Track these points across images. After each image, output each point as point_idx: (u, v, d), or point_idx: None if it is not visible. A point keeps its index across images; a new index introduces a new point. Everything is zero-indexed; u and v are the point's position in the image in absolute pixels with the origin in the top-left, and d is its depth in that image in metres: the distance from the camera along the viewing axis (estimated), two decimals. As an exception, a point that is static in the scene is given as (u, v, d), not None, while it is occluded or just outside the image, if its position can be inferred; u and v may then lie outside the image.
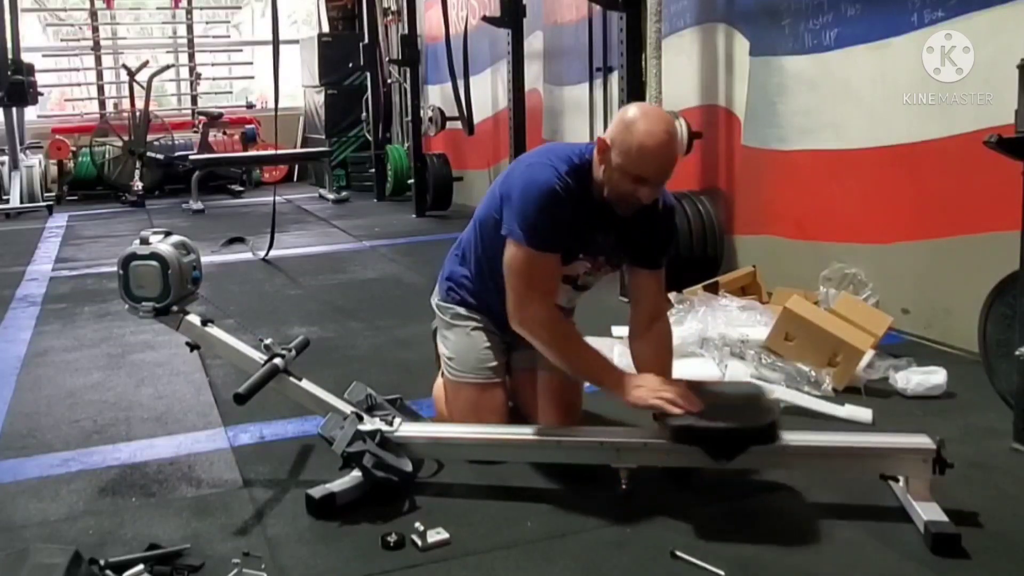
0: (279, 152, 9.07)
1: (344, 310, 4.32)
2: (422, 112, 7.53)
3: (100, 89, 9.94)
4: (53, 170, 9.10)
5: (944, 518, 1.98)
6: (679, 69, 4.61)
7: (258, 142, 9.73)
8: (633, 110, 2.15)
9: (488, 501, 2.20)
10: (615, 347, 3.11)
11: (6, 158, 8.15)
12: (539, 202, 2.14)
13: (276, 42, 4.97)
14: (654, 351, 2.34)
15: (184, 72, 10.33)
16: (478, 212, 2.42)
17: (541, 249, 2.15)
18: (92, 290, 4.90)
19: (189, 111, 10.15)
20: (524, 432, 2.29)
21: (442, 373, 2.56)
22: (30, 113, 9.12)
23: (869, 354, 2.97)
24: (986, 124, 2.89)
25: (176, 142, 9.45)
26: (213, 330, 2.50)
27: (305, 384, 2.41)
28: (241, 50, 10.64)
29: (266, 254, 5.55)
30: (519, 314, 2.22)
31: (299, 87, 10.26)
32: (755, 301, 3.57)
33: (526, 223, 2.14)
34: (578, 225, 2.21)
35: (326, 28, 10.16)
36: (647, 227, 2.29)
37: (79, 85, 10.06)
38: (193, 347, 2.54)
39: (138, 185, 8.63)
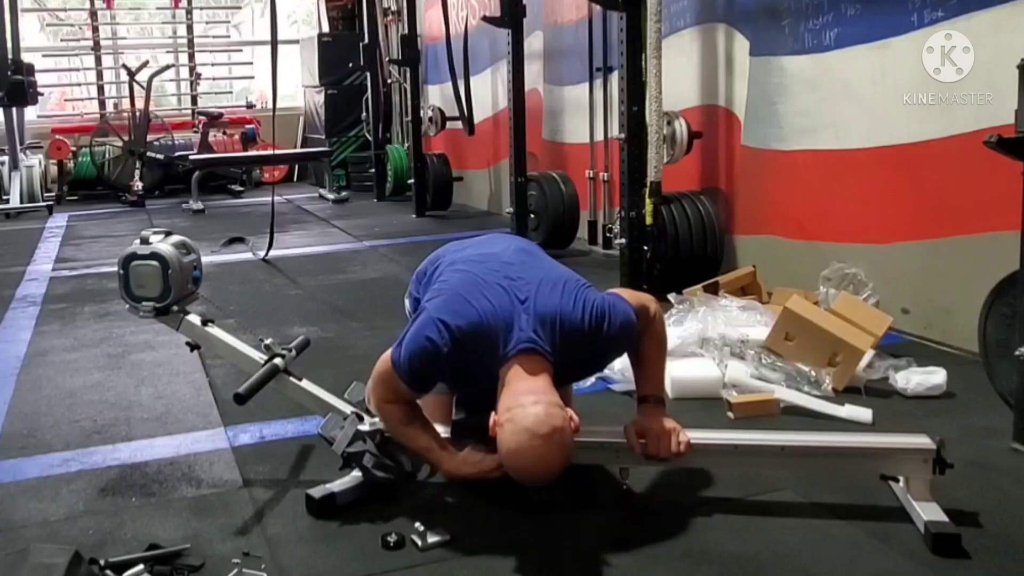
0: (279, 152, 9.07)
1: (344, 310, 4.32)
2: (422, 112, 7.53)
3: (100, 89, 9.94)
4: (53, 170, 9.10)
5: (944, 518, 1.98)
6: (679, 69, 4.61)
7: (258, 142, 9.73)
8: (514, 425, 1.88)
9: (488, 501, 2.20)
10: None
11: (6, 158, 8.15)
12: (413, 362, 2.05)
13: (275, 42, 4.97)
14: (634, 348, 2.25)
15: (184, 72, 10.32)
16: (416, 273, 2.42)
17: (402, 380, 2.09)
18: (92, 290, 4.89)
19: (189, 111, 10.15)
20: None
21: None
22: (30, 113, 9.12)
23: (869, 354, 2.97)
24: (986, 124, 2.89)
25: (176, 142, 9.44)
26: (213, 330, 2.50)
27: (305, 384, 2.41)
28: (241, 50, 10.65)
29: (266, 254, 5.54)
30: (370, 393, 2.23)
31: (299, 87, 10.26)
32: (755, 301, 3.57)
33: (400, 361, 2.07)
34: (470, 387, 2.16)
35: (326, 28, 10.16)
36: (583, 361, 2.19)
37: (79, 85, 10.06)
38: (193, 347, 2.54)
39: (138, 185, 8.63)
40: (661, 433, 2.13)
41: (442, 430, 2.25)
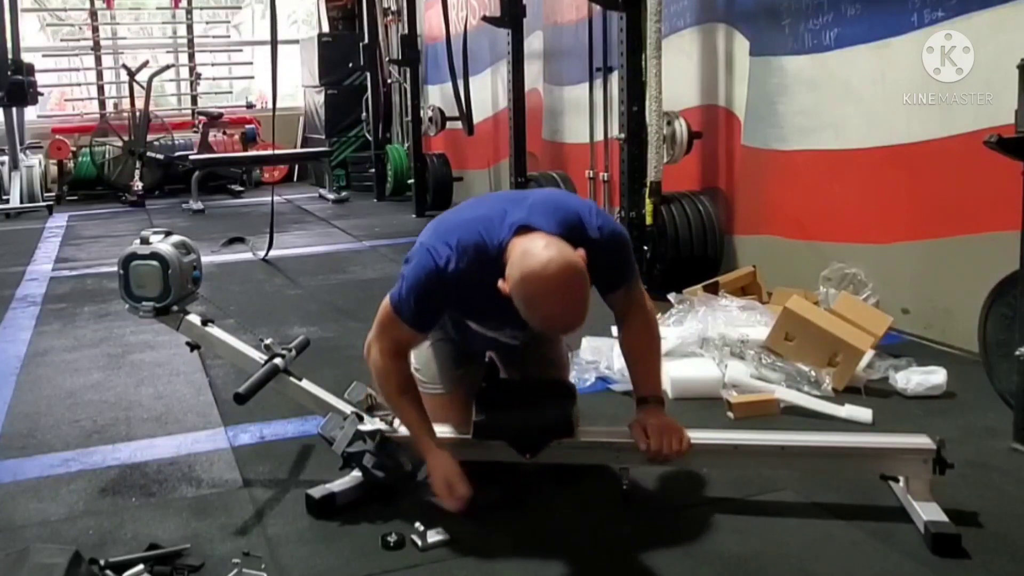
0: (279, 152, 9.08)
1: (344, 310, 4.32)
2: (422, 112, 7.53)
3: (100, 89, 9.93)
4: (53, 170, 9.10)
5: (944, 518, 1.98)
6: (679, 69, 4.61)
7: (258, 142, 9.73)
8: (523, 264, 1.83)
9: (488, 501, 2.20)
10: (615, 347, 3.11)
11: (6, 158, 8.15)
12: (417, 290, 2.04)
13: (275, 42, 4.98)
14: (629, 347, 2.24)
15: (184, 72, 10.32)
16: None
17: (404, 321, 2.09)
18: (92, 290, 4.89)
19: (189, 111, 10.15)
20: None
21: None
22: (30, 113, 9.12)
23: (869, 354, 2.97)
24: (986, 124, 2.89)
25: (176, 142, 9.44)
26: (213, 330, 2.50)
27: (305, 384, 2.41)
28: (241, 50, 10.65)
29: (266, 254, 5.54)
30: (367, 350, 2.20)
31: (299, 87, 10.26)
32: (755, 301, 3.57)
33: (401, 296, 2.07)
34: (476, 307, 2.13)
35: (326, 28, 10.16)
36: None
37: (79, 85, 10.06)
38: (193, 347, 2.54)
39: (138, 185, 8.63)
40: (663, 430, 2.13)
41: (453, 431, 2.25)
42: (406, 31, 7.61)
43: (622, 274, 2.15)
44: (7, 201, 8.03)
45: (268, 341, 2.43)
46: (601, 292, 2.15)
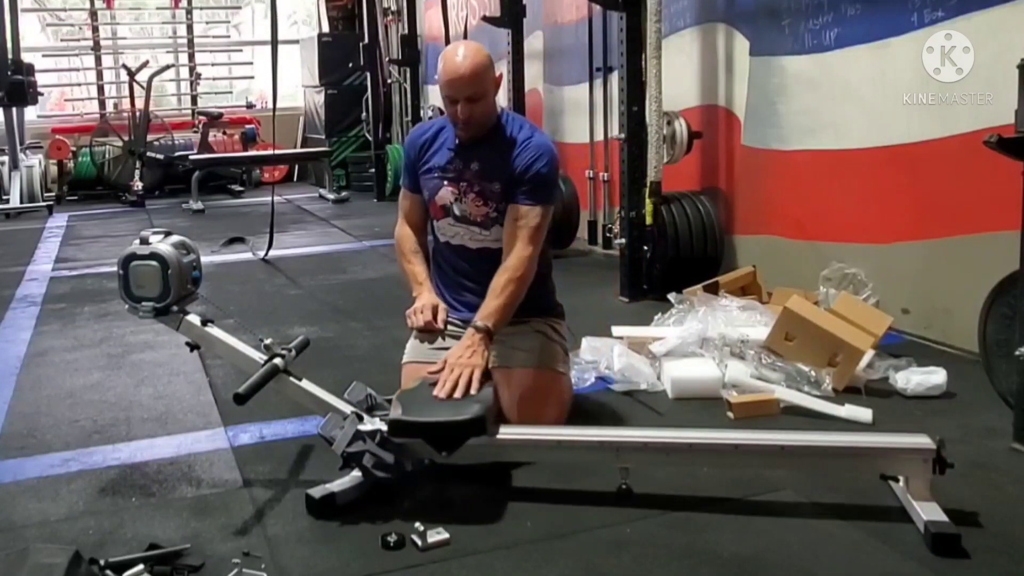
0: (279, 152, 9.08)
1: (344, 310, 4.32)
2: (422, 112, 7.53)
3: (100, 89, 9.95)
4: (53, 170, 9.11)
5: (944, 518, 1.97)
6: (679, 69, 4.61)
7: (258, 142, 9.73)
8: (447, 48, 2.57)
9: (488, 501, 2.20)
10: (615, 347, 3.11)
11: (6, 158, 8.16)
12: (404, 154, 2.78)
13: (275, 42, 4.98)
14: (494, 282, 2.47)
15: (184, 72, 10.33)
16: None
17: (403, 187, 2.77)
18: (92, 290, 4.90)
19: (189, 111, 10.16)
20: (524, 432, 2.29)
21: None
22: (30, 113, 9.13)
23: (869, 354, 2.97)
24: (986, 124, 2.89)
25: (176, 142, 9.45)
26: (213, 330, 2.49)
27: (305, 384, 2.41)
28: (241, 50, 10.66)
29: (266, 254, 5.55)
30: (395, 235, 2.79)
31: (299, 87, 10.26)
32: (755, 301, 3.57)
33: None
34: (434, 154, 2.65)
35: (326, 28, 10.17)
36: (501, 156, 2.56)
37: (79, 85, 10.06)
38: (193, 347, 2.54)
39: (138, 185, 8.63)
40: (452, 366, 2.31)
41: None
42: (406, 31, 7.63)
43: (534, 187, 2.52)
44: (7, 201, 8.04)
45: (268, 341, 2.42)
46: (510, 197, 2.53)
